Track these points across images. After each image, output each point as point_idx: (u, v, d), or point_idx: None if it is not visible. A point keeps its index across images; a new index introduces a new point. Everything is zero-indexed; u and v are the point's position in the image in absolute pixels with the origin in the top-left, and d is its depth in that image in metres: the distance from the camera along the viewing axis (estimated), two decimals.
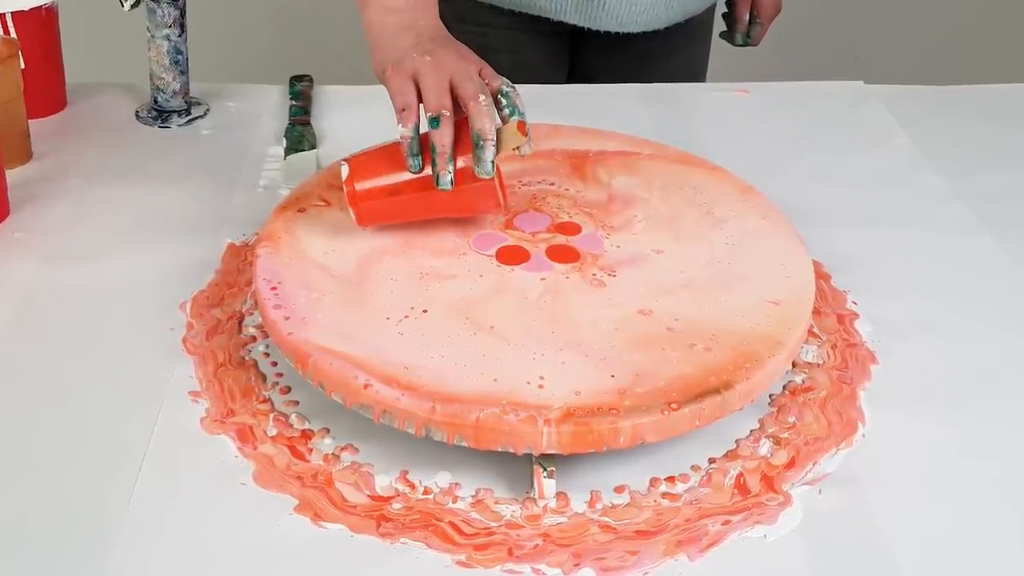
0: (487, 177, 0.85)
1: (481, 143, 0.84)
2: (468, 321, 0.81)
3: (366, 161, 0.89)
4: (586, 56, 1.35)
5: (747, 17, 1.35)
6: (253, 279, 0.86)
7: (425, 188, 0.86)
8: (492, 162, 0.84)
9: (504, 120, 0.86)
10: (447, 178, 0.85)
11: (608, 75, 1.32)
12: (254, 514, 0.73)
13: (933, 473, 0.78)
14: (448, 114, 0.85)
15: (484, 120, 0.84)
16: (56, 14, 1.16)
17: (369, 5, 0.93)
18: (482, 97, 0.85)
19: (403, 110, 0.86)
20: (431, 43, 0.89)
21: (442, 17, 0.95)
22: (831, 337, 0.90)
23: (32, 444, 0.78)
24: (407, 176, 0.86)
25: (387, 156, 0.88)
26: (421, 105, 0.86)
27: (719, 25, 1.39)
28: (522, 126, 0.86)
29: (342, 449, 0.78)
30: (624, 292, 0.85)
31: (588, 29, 1.26)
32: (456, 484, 0.76)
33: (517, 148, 0.86)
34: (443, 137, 0.84)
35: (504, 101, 0.87)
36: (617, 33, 1.26)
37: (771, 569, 0.71)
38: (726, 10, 1.37)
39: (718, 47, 1.41)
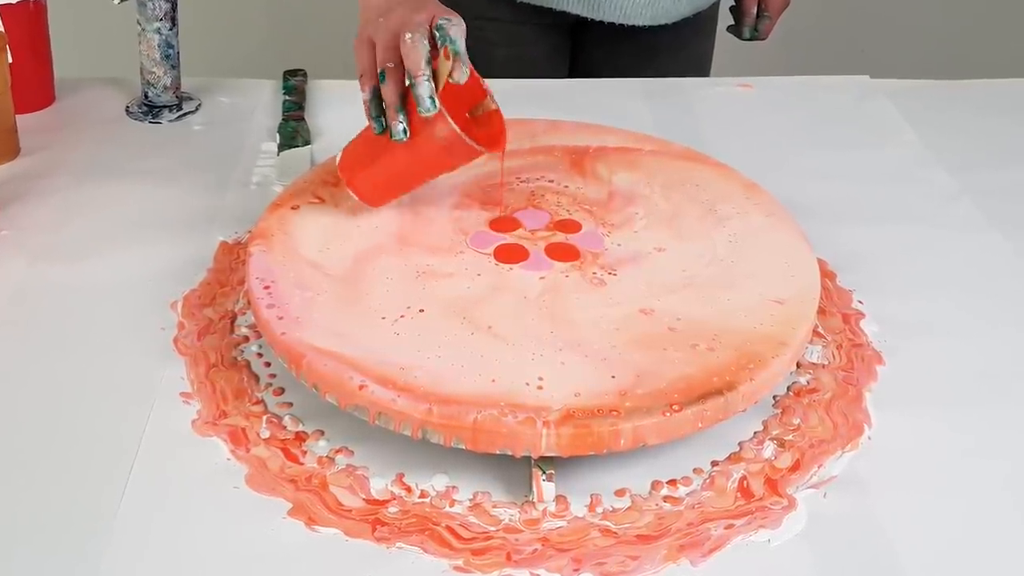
0: (427, 115, 0.83)
1: (412, 81, 0.83)
2: (465, 321, 0.80)
3: (354, 144, 0.90)
4: (589, 49, 1.33)
5: (755, 11, 1.33)
6: (246, 278, 0.85)
7: (407, 151, 0.86)
8: (431, 98, 0.83)
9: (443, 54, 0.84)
10: (399, 128, 0.85)
11: (611, 69, 1.30)
12: (247, 518, 0.72)
13: (940, 476, 0.77)
14: (392, 66, 0.85)
15: (409, 56, 0.83)
16: (44, 7, 1.15)
17: None
18: (407, 35, 0.84)
19: (361, 76, 0.87)
20: (398, 5, 0.88)
21: None
22: (836, 337, 0.88)
23: (22, 445, 0.77)
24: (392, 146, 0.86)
25: (371, 131, 0.88)
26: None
27: (724, 19, 1.37)
28: (446, 51, 0.83)
29: (337, 452, 0.77)
30: (625, 291, 0.84)
31: (591, 20, 1.24)
32: (453, 487, 0.75)
33: (451, 76, 0.84)
34: (388, 89, 0.84)
35: (438, 34, 0.85)
36: (621, 25, 1.24)
37: (775, 574, 0.70)
38: (733, 4, 1.35)
39: (721, 41, 1.40)
